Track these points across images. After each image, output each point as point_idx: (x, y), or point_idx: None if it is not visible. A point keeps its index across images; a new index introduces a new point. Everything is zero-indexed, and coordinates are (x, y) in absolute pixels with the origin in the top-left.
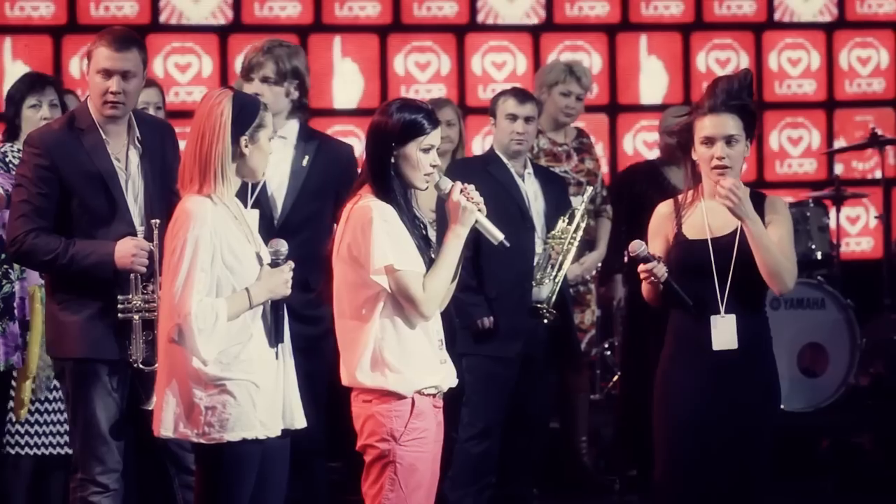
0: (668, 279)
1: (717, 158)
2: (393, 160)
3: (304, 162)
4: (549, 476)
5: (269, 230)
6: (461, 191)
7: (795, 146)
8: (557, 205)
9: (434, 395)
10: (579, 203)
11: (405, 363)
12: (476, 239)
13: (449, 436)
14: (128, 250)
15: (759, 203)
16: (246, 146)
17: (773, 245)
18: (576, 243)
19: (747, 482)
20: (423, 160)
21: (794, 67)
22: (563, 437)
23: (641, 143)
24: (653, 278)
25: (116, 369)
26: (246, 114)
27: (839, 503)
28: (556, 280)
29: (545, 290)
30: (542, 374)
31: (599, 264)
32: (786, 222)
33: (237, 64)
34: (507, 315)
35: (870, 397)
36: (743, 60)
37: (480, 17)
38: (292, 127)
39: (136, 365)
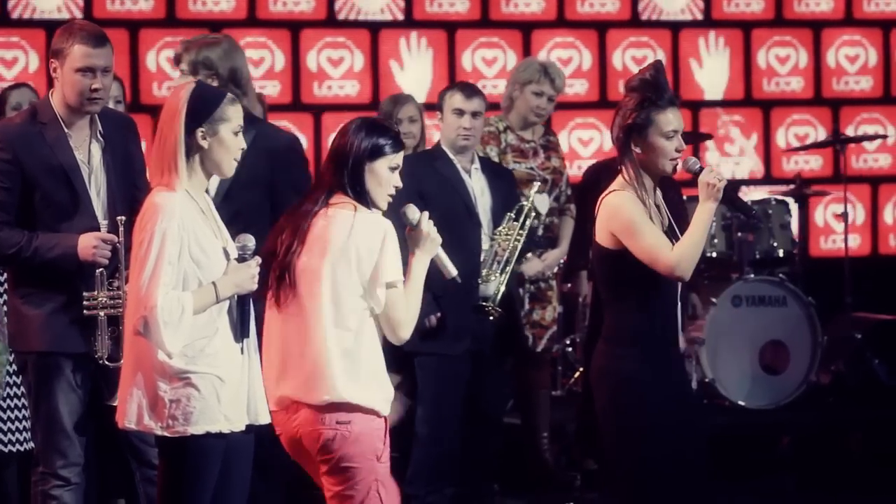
0: (727, 186)
1: (678, 151)
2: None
3: None
4: (510, 472)
5: None
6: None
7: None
8: (505, 201)
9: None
10: (535, 202)
11: (383, 381)
12: None
13: (409, 432)
14: (89, 242)
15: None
16: (204, 139)
17: None
18: (522, 240)
19: (706, 477)
20: (391, 179)
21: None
22: (525, 433)
23: None
24: (718, 183)
25: (79, 363)
26: (202, 106)
27: (799, 501)
28: (502, 278)
29: (491, 287)
30: (491, 369)
31: (562, 261)
32: None
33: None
34: (453, 313)
35: (831, 395)
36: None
37: (474, 13)
38: None
39: (101, 361)
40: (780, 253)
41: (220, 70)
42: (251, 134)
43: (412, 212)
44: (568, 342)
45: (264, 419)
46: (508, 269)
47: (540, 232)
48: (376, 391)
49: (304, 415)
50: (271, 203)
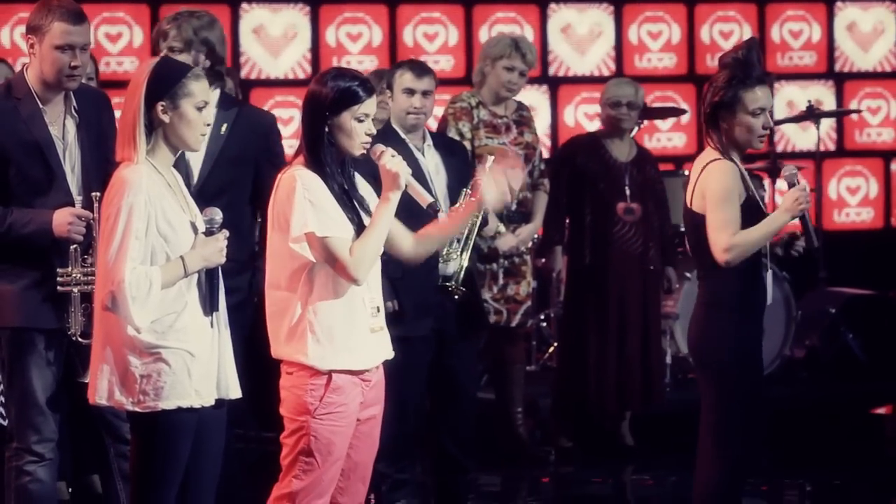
0: (805, 209)
1: (765, 128)
2: (327, 129)
3: (223, 130)
4: (484, 447)
5: None
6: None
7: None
8: (460, 176)
9: (355, 373)
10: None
11: (328, 338)
12: None
13: None
14: (64, 219)
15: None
16: (164, 113)
17: None
18: (480, 216)
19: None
20: (358, 129)
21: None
22: (499, 408)
23: None
24: (805, 204)
25: (53, 339)
26: (163, 80)
27: (773, 476)
28: (463, 256)
29: (452, 266)
30: (459, 346)
31: (536, 236)
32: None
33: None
34: (415, 294)
35: (805, 369)
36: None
37: None
38: (213, 95)
39: (74, 338)
40: None
41: (215, 47)
42: (233, 113)
43: (375, 150)
44: (542, 317)
45: (235, 394)
46: (469, 246)
47: (514, 207)
48: (314, 347)
49: None
50: (253, 178)
